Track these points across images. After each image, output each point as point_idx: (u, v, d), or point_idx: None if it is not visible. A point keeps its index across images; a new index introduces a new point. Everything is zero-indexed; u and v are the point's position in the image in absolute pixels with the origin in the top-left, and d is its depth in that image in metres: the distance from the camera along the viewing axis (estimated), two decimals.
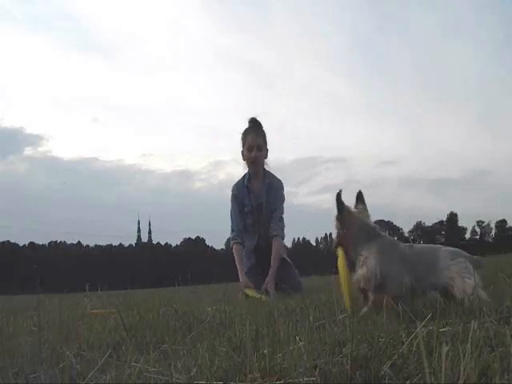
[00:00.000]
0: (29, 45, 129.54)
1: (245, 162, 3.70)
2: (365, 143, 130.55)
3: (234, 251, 3.69)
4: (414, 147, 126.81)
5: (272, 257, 3.55)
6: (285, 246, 3.88)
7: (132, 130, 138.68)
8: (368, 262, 1.68)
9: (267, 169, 3.74)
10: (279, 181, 3.74)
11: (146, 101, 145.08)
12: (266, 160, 3.72)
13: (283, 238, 3.70)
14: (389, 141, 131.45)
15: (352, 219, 1.82)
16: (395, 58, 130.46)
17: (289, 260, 3.74)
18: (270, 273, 3.50)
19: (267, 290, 3.40)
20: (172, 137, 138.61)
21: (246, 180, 3.70)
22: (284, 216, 3.70)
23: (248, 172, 3.72)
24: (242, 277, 3.56)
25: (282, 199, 3.71)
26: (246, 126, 3.71)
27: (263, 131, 3.70)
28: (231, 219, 3.72)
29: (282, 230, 3.70)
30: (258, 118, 3.71)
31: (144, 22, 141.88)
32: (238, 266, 3.62)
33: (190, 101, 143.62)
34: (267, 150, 3.70)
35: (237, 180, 3.80)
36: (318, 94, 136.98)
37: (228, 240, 3.97)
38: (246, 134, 3.66)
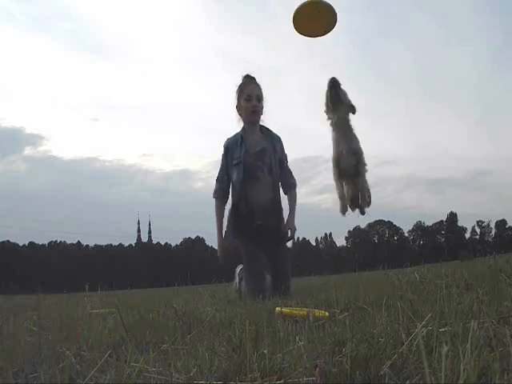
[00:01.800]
0: (29, 45, 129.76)
1: (240, 117, 3.45)
2: (365, 143, 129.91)
3: (215, 210, 3.42)
4: (414, 147, 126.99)
5: (290, 203, 3.45)
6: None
7: (132, 129, 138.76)
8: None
9: (263, 124, 3.52)
10: (278, 135, 3.53)
11: (146, 101, 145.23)
12: (262, 117, 3.47)
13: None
14: (389, 141, 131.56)
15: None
16: (395, 58, 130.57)
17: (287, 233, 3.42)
18: (290, 213, 3.42)
19: (290, 228, 3.35)
20: (172, 136, 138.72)
21: (239, 134, 3.44)
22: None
23: (243, 127, 3.46)
24: (219, 238, 3.35)
25: (285, 151, 3.53)
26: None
27: (260, 84, 3.46)
28: (217, 178, 3.46)
29: (296, 182, 3.55)
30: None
31: (144, 22, 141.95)
32: (216, 225, 3.37)
33: (190, 100, 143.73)
34: (263, 106, 3.44)
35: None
36: (319, 94, 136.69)
37: None
38: (242, 85, 3.41)
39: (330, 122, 2.72)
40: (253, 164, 3.34)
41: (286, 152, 3.54)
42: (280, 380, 0.89)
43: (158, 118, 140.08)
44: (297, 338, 1.15)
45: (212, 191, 3.49)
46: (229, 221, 3.40)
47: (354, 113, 2.69)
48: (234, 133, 3.49)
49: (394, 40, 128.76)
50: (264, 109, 3.45)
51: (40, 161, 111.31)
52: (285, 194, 3.52)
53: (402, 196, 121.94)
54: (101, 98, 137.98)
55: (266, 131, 3.48)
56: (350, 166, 2.61)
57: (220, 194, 3.43)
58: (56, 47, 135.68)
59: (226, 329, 1.50)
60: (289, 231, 3.38)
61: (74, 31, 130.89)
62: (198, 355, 1.12)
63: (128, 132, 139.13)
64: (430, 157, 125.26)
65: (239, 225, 3.35)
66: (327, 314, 1.62)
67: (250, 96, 3.35)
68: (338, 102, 2.62)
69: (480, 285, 1.91)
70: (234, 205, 3.40)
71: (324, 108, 2.73)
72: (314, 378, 0.87)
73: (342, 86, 2.66)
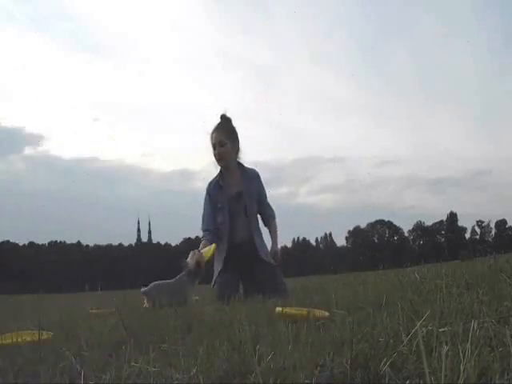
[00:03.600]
0: (29, 45, 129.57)
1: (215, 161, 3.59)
2: (365, 143, 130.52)
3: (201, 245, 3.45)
4: (414, 147, 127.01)
5: (271, 233, 3.63)
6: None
7: (132, 129, 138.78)
8: None
9: (241, 162, 3.62)
10: (254, 170, 3.66)
11: (146, 101, 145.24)
12: (239, 154, 3.59)
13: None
14: (389, 141, 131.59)
15: None
16: (396, 58, 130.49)
17: (270, 261, 3.53)
18: (273, 243, 3.60)
19: (276, 253, 3.52)
20: (172, 136, 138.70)
21: (218, 177, 3.59)
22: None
23: (220, 170, 3.60)
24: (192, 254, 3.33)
25: (263, 186, 3.66)
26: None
27: (228, 126, 3.57)
28: (202, 220, 3.54)
29: (274, 213, 3.71)
30: (227, 114, 3.59)
31: (144, 22, 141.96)
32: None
33: (191, 100, 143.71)
34: (238, 143, 3.56)
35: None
36: (319, 94, 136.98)
37: None
38: (210, 133, 3.57)
39: None
40: (232, 208, 3.54)
41: (263, 186, 3.68)
42: (280, 380, 0.89)
43: (158, 117, 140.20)
44: (297, 338, 1.15)
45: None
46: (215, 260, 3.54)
47: None
48: (213, 176, 3.63)
49: (395, 40, 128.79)
50: (236, 146, 3.57)
51: (40, 161, 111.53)
52: (265, 225, 3.71)
53: (402, 196, 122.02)
54: (101, 98, 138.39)
55: (243, 170, 3.60)
56: None
57: (209, 237, 3.49)
58: (55, 47, 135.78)
59: (225, 329, 1.50)
60: (272, 260, 3.51)
61: (74, 31, 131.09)
62: (197, 355, 1.12)
63: (128, 131, 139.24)
64: (430, 157, 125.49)
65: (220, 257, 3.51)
66: (327, 313, 1.62)
67: (214, 145, 3.51)
68: None
69: (480, 285, 1.91)
70: (220, 243, 3.54)
71: None
72: (314, 378, 0.87)
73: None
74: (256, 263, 3.45)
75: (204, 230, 3.54)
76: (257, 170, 3.69)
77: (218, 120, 3.60)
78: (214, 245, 3.28)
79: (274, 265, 3.51)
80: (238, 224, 3.54)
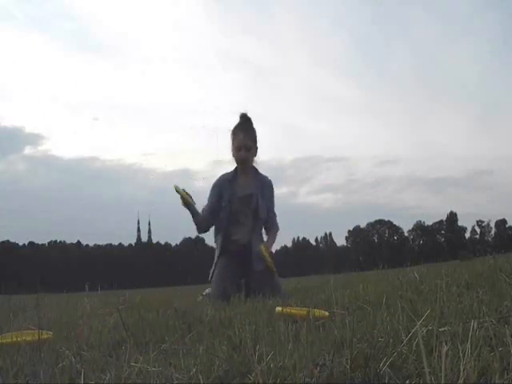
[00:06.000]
0: (29, 44, 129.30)
1: (233, 158, 3.60)
2: (365, 143, 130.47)
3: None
4: (414, 147, 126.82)
5: (269, 235, 3.59)
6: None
7: (133, 129, 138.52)
8: None
9: (256, 167, 3.63)
10: (268, 178, 3.66)
11: (147, 100, 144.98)
12: (255, 158, 3.62)
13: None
14: (389, 140, 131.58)
15: None
16: (395, 57, 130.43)
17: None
18: (268, 239, 3.55)
19: (268, 250, 3.42)
20: (172, 136, 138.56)
21: (231, 174, 3.58)
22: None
23: (236, 167, 3.60)
24: (193, 216, 3.45)
25: (273, 196, 3.67)
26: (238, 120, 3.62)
27: (253, 129, 3.61)
28: (205, 205, 3.57)
29: (278, 226, 3.69)
30: (248, 114, 3.60)
31: (144, 22, 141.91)
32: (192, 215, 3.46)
33: (191, 100, 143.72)
34: (257, 148, 3.61)
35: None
36: (319, 94, 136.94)
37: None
38: (235, 132, 3.57)
39: None
40: (237, 208, 3.51)
41: (274, 197, 3.68)
42: (280, 380, 0.89)
43: (158, 117, 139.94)
44: (297, 338, 1.15)
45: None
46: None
47: None
48: (227, 171, 3.63)
49: (394, 39, 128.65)
50: (257, 151, 3.61)
51: (40, 160, 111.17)
52: (266, 233, 3.68)
53: (402, 195, 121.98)
54: (101, 98, 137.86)
55: (256, 175, 3.61)
56: None
57: (202, 226, 3.57)
58: (56, 47, 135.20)
59: (225, 329, 1.50)
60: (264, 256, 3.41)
61: (74, 31, 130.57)
62: (197, 355, 1.12)
63: (128, 131, 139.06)
64: (430, 156, 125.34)
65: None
66: (327, 313, 1.62)
67: (239, 147, 3.51)
68: None
69: (480, 284, 1.91)
70: (216, 238, 3.59)
71: None
72: (314, 378, 0.87)
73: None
74: (251, 261, 3.42)
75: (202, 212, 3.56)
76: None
77: (239, 119, 3.58)
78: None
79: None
80: (240, 226, 3.52)
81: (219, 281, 3.38)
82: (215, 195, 3.56)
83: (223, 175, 3.63)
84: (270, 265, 3.40)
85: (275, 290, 3.17)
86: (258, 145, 3.62)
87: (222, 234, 3.53)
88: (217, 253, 3.55)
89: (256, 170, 3.65)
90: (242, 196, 3.54)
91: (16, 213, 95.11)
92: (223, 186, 3.56)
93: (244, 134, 3.54)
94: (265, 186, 3.61)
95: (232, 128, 3.60)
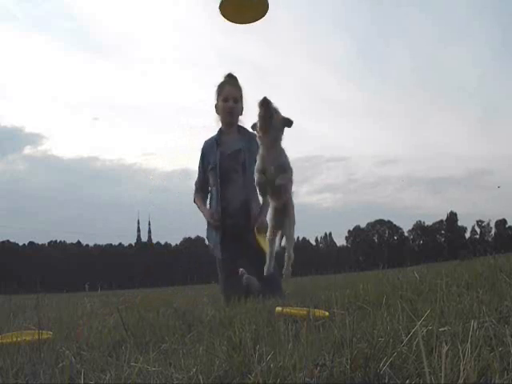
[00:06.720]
0: (29, 44, 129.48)
1: (218, 116, 3.53)
2: (365, 143, 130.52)
3: (196, 202, 3.55)
4: (414, 147, 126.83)
5: (262, 204, 3.37)
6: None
7: (133, 129, 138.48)
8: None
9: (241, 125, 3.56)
10: (255, 133, 3.62)
11: (147, 100, 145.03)
12: (241, 117, 3.53)
13: None
14: (389, 140, 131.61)
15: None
16: (395, 59, 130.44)
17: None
18: (260, 211, 3.35)
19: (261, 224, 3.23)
20: (172, 136, 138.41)
21: (216, 135, 3.53)
22: None
23: (220, 128, 3.54)
24: (205, 212, 3.44)
25: None
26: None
27: (240, 85, 3.54)
28: (195, 185, 3.61)
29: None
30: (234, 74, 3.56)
31: (144, 22, 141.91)
32: (201, 209, 3.47)
33: (191, 100, 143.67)
34: (243, 106, 3.51)
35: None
36: (319, 94, 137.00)
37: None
38: (221, 85, 3.50)
39: (260, 142, 2.59)
40: (227, 165, 3.44)
41: None
42: (280, 380, 0.89)
43: (159, 117, 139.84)
44: (297, 338, 1.15)
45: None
46: (208, 223, 3.48)
47: (290, 126, 2.55)
48: (211, 135, 3.58)
49: (394, 40, 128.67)
50: (243, 109, 3.52)
51: (40, 160, 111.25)
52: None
53: (402, 195, 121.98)
54: (101, 98, 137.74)
55: (243, 131, 3.52)
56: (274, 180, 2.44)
57: (201, 194, 3.56)
58: (56, 47, 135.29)
59: (225, 329, 1.50)
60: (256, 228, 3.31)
61: (75, 31, 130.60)
62: (197, 355, 1.12)
63: (128, 131, 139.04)
64: (429, 156, 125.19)
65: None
66: (327, 313, 1.62)
67: (227, 97, 3.44)
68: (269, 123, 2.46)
69: (480, 284, 1.91)
70: (211, 207, 3.51)
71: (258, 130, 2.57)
72: (314, 378, 0.87)
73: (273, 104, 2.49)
74: (253, 246, 3.24)
75: (194, 195, 3.57)
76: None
77: (225, 77, 3.52)
78: None
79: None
80: (232, 184, 3.42)
81: (229, 289, 3.16)
82: (202, 167, 3.55)
83: (207, 140, 3.57)
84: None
85: (274, 286, 3.08)
86: (244, 106, 3.51)
87: (219, 203, 3.40)
88: (215, 213, 3.40)
89: (241, 126, 3.53)
90: (231, 152, 3.45)
91: (16, 213, 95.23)
92: (208, 151, 3.52)
93: (231, 87, 3.48)
94: (252, 141, 3.37)
95: (218, 84, 3.52)
